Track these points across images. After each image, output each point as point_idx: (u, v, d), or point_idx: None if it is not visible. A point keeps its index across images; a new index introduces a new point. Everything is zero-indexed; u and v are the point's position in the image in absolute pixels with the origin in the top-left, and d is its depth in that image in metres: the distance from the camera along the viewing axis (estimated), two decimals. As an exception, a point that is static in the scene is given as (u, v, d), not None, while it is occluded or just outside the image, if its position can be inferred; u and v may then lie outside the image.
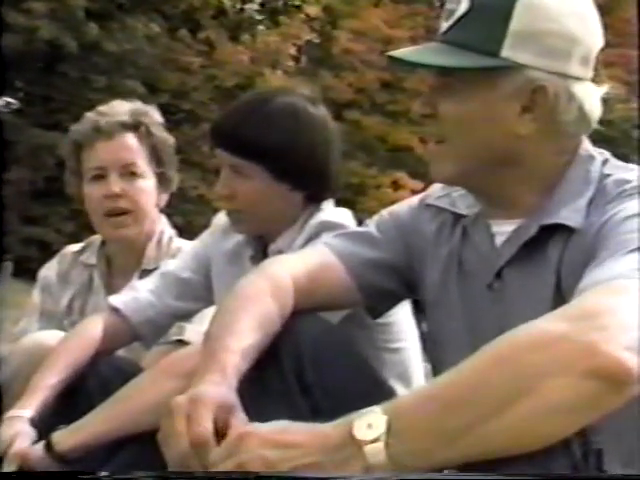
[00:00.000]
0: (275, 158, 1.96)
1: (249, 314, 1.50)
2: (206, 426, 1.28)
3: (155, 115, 2.51)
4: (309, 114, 2.01)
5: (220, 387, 1.35)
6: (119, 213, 2.43)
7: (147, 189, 2.47)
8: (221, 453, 1.23)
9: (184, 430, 1.29)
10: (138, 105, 2.51)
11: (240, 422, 1.31)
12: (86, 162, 2.45)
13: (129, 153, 2.43)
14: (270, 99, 2.02)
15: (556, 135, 1.51)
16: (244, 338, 1.46)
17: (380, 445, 1.13)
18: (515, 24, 1.46)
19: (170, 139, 2.53)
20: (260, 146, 1.96)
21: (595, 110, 1.53)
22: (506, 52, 1.46)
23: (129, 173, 2.43)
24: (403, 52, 1.56)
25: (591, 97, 1.52)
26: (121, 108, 2.47)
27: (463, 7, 1.51)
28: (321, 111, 2.05)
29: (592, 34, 1.52)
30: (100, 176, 2.43)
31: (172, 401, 1.34)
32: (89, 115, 2.47)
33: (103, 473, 1.43)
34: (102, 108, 2.47)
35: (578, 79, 1.49)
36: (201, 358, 1.44)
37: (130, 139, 2.44)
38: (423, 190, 1.81)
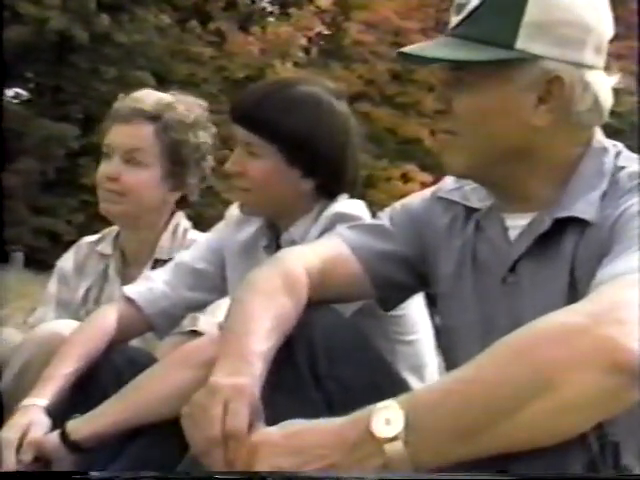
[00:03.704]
0: (290, 141, 1.97)
1: (268, 314, 1.49)
2: (244, 420, 1.28)
3: (185, 112, 2.46)
4: (331, 106, 2.02)
5: (253, 389, 1.35)
6: (111, 191, 2.45)
7: (146, 180, 2.45)
8: (235, 464, 1.24)
9: (219, 416, 1.29)
10: (170, 98, 2.49)
11: (259, 428, 1.30)
12: (103, 140, 2.48)
13: (136, 140, 2.43)
14: (296, 85, 2.03)
15: (570, 126, 1.51)
16: (265, 340, 1.45)
17: (400, 443, 1.13)
18: (529, 15, 1.45)
19: (197, 144, 2.48)
20: (277, 127, 1.97)
21: (608, 100, 1.52)
22: (521, 43, 1.46)
23: (131, 160, 2.43)
24: (415, 48, 1.55)
25: (604, 86, 1.51)
26: (150, 97, 2.47)
27: (475, 0, 1.50)
28: (344, 107, 2.05)
29: (604, 22, 1.51)
30: (107, 155, 2.46)
31: (213, 381, 1.34)
32: (121, 98, 2.50)
33: (94, 473, 1.44)
34: (137, 93, 2.49)
35: (592, 68, 1.49)
36: (225, 356, 1.42)
37: (146, 129, 2.43)
38: (433, 183, 1.81)
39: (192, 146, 2.48)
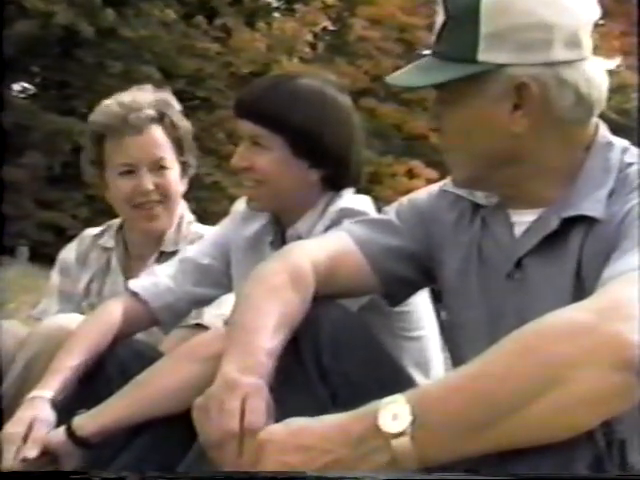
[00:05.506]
0: (297, 132, 1.98)
1: (275, 309, 1.50)
2: (263, 417, 1.30)
3: (173, 102, 2.52)
4: (335, 99, 2.04)
5: (266, 387, 1.37)
6: (150, 204, 2.44)
7: (175, 179, 2.48)
8: (244, 461, 1.25)
9: (237, 410, 1.30)
10: (159, 95, 2.50)
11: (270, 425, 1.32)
12: (114, 156, 2.44)
13: (158, 148, 2.44)
14: (299, 78, 2.05)
15: (556, 124, 1.50)
16: (273, 336, 1.46)
17: (406, 438, 1.13)
18: (485, 26, 1.45)
19: (188, 126, 2.54)
20: (284, 117, 1.98)
21: (595, 90, 1.50)
22: (482, 56, 1.46)
23: (159, 167, 2.44)
24: (394, 77, 1.58)
25: (588, 77, 1.48)
26: (145, 100, 2.45)
27: (441, 18, 1.52)
28: (347, 100, 2.08)
29: (572, 13, 1.48)
30: (130, 171, 2.43)
31: (229, 375, 1.35)
32: (112, 106, 2.44)
33: (96, 472, 1.44)
34: (125, 99, 2.44)
35: (567, 62, 1.47)
36: (233, 352, 1.43)
37: (158, 133, 2.44)
38: (439, 179, 1.81)
39: (188, 130, 2.53)
